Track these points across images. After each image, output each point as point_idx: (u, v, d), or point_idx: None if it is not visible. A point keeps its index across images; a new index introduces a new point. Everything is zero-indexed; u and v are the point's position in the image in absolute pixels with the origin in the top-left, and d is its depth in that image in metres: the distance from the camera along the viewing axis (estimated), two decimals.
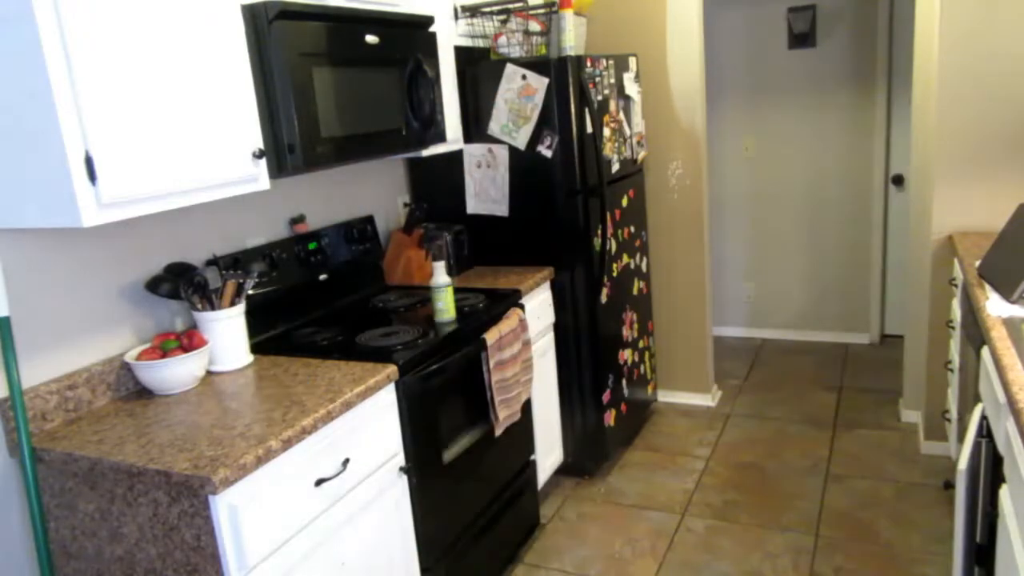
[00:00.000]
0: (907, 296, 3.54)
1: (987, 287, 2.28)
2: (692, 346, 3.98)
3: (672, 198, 3.84)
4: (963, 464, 2.05)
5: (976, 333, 2.20)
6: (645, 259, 3.78)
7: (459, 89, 3.08)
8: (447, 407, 2.40)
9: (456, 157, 3.21)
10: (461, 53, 3.10)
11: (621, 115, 3.39)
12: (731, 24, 4.65)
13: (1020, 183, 2.93)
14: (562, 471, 3.34)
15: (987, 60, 2.87)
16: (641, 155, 3.63)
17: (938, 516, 2.85)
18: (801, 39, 4.48)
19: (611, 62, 3.29)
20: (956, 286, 2.86)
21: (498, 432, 2.61)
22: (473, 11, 3.09)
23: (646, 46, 3.70)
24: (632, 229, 3.58)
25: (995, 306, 2.10)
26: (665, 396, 4.10)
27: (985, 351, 2.02)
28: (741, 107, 4.74)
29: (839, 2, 4.38)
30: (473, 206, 3.28)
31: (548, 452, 3.17)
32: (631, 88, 3.48)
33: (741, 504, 3.08)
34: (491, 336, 2.54)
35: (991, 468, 1.87)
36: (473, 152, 3.21)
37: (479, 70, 3.13)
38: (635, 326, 3.62)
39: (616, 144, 3.33)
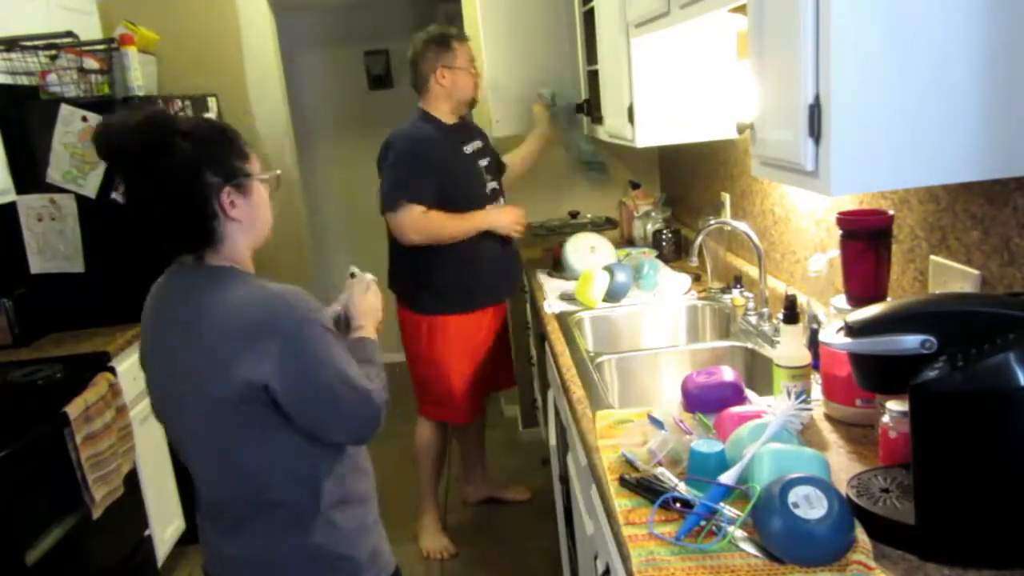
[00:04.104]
0: None
1: (545, 288, 2.71)
2: None
3: (272, 239, 3.79)
4: (552, 441, 2.41)
5: (541, 330, 2.60)
6: None
7: (2, 133, 2.68)
8: (25, 499, 2.06)
9: (8, 211, 2.78)
10: (0, 92, 2.71)
11: None
12: (312, 66, 4.79)
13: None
14: (188, 539, 3.08)
15: None
16: None
17: (545, 493, 3.28)
18: (378, 81, 4.80)
19: (188, 103, 3.16)
20: (526, 292, 3.33)
21: (97, 514, 2.32)
22: (10, 45, 2.72)
23: (225, 87, 3.63)
24: None
25: (550, 305, 2.51)
26: None
27: (547, 344, 2.40)
28: (331, 144, 4.89)
29: (408, 48, 4.80)
30: (39, 264, 2.87)
31: (166, 522, 2.90)
32: None
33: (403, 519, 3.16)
34: (75, 408, 2.25)
35: (561, 440, 2.23)
36: (30, 204, 2.81)
37: (26, 111, 2.77)
38: None
39: None
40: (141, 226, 1.30)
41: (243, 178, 1.31)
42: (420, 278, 2.68)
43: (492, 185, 2.77)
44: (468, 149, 2.72)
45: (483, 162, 2.76)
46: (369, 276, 1.65)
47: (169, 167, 1.24)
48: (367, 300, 1.59)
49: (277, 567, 1.37)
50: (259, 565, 1.38)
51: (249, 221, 1.33)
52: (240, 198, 1.30)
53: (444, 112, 2.68)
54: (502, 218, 2.70)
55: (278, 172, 1.45)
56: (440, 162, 2.59)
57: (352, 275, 1.65)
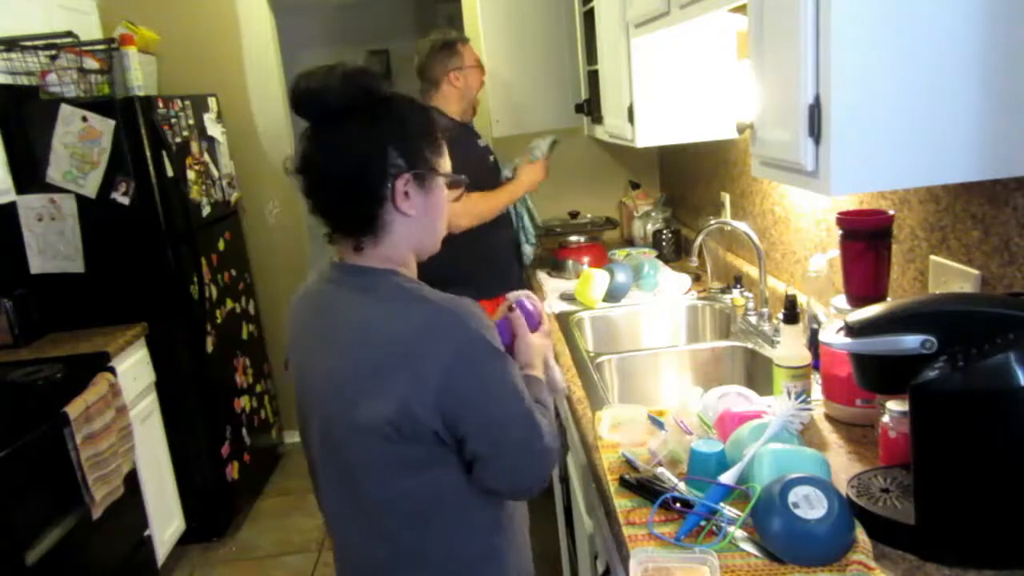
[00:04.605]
0: None
1: (545, 288, 2.71)
2: None
3: (273, 238, 3.82)
4: None
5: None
6: (252, 301, 3.69)
7: (2, 132, 2.68)
8: (26, 499, 2.06)
9: (9, 211, 2.78)
10: (0, 91, 2.71)
11: (206, 156, 3.27)
12: (313, 65, 4.77)
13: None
14: (187, 539, 3.08)
15: None
16: (234, 196, 3.54)
17: (545, 493, 3.27)
18: None
19: (188, 103, 3.16)
20: None
21: (97, 514, 2.32)
22: (10, 45, 2.72)
23: (225, 86, 3.63)
24: (233, 272, 3.47)
25: (550, 305, 2.51)
26: (292, 436, 4.03)
27: None
28: None
29: (408, 48, 4.81)
30: (39, 265, 2.87)
31: (166, 523, 2.91)
32: (214, 129, 3.38)
33: None
34: (75, 408, 2.25)
35: (561, 439, 2.23)
36: (30, 204, 2.81)
37: (26, 111, 2.77)
38: (249, 371, 3.51)
39: (204, 187, 3.20)
40: (309, 190, 1.15)
41: (428, 171, 1.15)
42: (434, 273, 2.67)
43: (500, 180, 2.79)
44: (481, 144, 2.74)
45: (492, 159, 2.77)
46: (529, 305, 1.32)
47: (355, 133, 1.10)
48: (535, 335, 1.31)
49: None
50: None
51: (420, 220, 1.16)
52: (417, 192, 1.14)
53: (455, 112, 2.68)
54: (533, 176, 2.71)
55: (465, 179, 1.23)
56: (465, 152, 2.59)
57: (511, 308, 1.31)
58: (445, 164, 1.20)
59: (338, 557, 1.28)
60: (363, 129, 1.11)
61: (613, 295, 2.42)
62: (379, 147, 1.11)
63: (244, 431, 3.36)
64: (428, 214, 1.17)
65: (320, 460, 1.19)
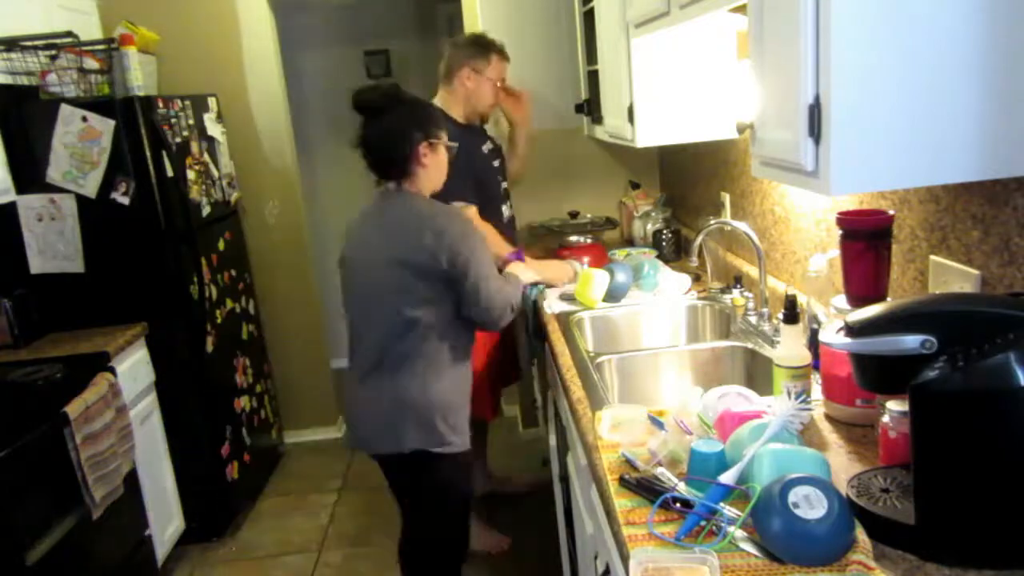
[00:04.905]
0: None
1: (546, 288, 2.70)
2: (314, 382, 3.99)
3: (273, 237, 3.82)
4: (552, 441, 2.41)
5: (541, 329, 2.59)
6: (252, 301, 3.69)
7: (2, 132, 2.68)
8: (26, 499, 2.06)
9: (9, 211, 2.78)
10: (0, 92, 2.71)
11: (206, 156, 3.27)
12: (312, 66, 4.79)
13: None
14: (187, 539, 3.08)
15: None
16: (234, 196, 3.54)
17: (545, 493, 3.28)
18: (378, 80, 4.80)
19: (188, 103, 3.16)
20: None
21: (97, 514, 2.32)
22: (10, 45, 2.72)
23: (226, 86, 3.62)
24: (233, 272, 3.47)
25: (550, 305, 2.51)
26: (293, 436, 4.04)
27: (548, 344, 2.40)
28: (331, 144, 4.90)
29: (408, 48, 4.81)
30: (39, 265, 2.87)
31: (166, 523, 2.91)
32: (214, 129, 3.38)
33: (376, 527, 3.17)
34: (75, 408, 2.25)
35: (561, 440, 2.23)
36: (30, 204, 2.81)
37: (26, 111, 2.77)
38: (249, 371, 3.51)
39: (204, 187, 3.20)
40: (368, 156, 1.98)
41: (435, 140, 1.99)
42: None
43: (504, 185, 2.78)
44: (484, 149, 2.73)
45: (496, 163, 2.76)
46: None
47: (392, 120, 1.94)
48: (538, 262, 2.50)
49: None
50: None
51: (432, 170, 2.01)
52: (430, 153, 1.98)
53: (457, 113, 2.67)
54: (561, 275, 2.64)
55: (455, 144, 2.07)
56: (467, 161, 2.59)
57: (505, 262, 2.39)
58: (445, 135, 2.04)
59: (350, 365, 2.09)
60: (394, 119, 1.96)
61: (613, 295, 2.42)
62: (405, 127, 1.95)
63: (244, 431, 3.36)
64: (436, 166, 2.03)
65: (357, 304, 2.06)
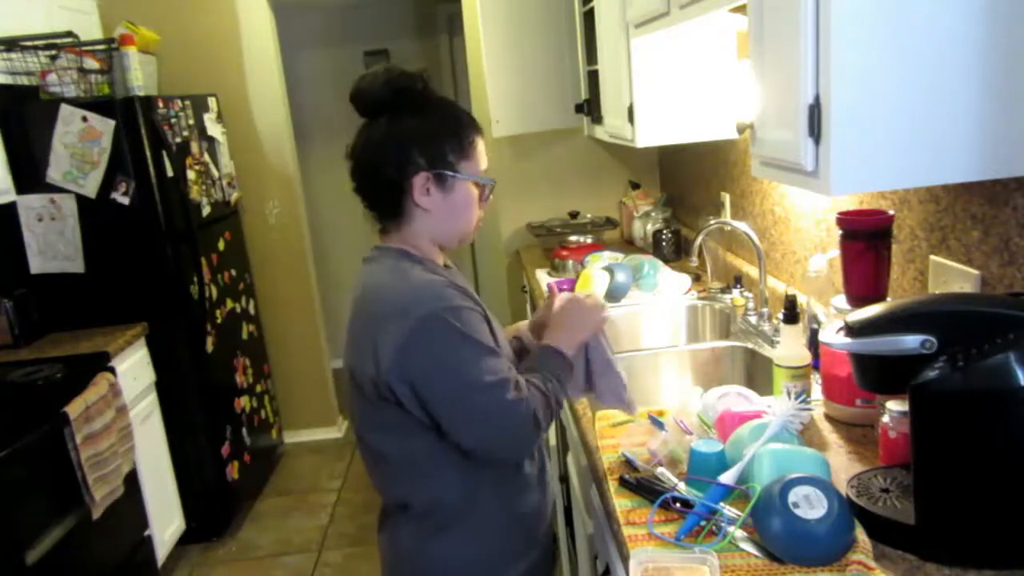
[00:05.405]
0: (494, 307, 4.02)
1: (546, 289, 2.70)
2: (313, 382, 3.99)
3: (273, 237, 3.82)
4: (552, 441, 2.41)
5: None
6: (252, 301, 3.69)
7: (2, 132, 2.68)
8: (26, 499, 2.06)
9: (9, 211, 2.78)
10: (0, 92, 2.71)
11: (206, 156, 3.27)
12: (312, 66, 4.79)
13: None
14: (187, 539, 3.08)
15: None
16: (234, 196, 3.55)
17: None
18: None
19: (188, 103, 3.16)
20: (526, 292, 3.33)
21: (97, 514, 2.32)
22: (10, 45, 2.72)
23: (226, 86, 3.63)
24: (233, 272, 3.47)
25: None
26: (292, 436, 4.04)
27: None
28: (331, 144, 4.89)
29: (408, 48, 4.81)
30: (39, 265, 2.87)
31: (166, 523, 2.91)
32: (214, 129, 3.38)
33: (376, 527, 3.16)
34: (75, 408, 2.25)
35: (561, 440, 2.23)
36: (30, 204, 2.81)
37: (27, 111, 2.77)
38: (249, 371, 3.51)
39: (204, 187, 3.20)
40: (350, 173, 1.30)
41: (447, 172, 1.25)
42: None
43: None
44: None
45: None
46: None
47: (385, 131, 1.25)
48: (564, 308, 1.40)
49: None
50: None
51: (440, 215, 1.27)
52: (437, 189, 1.25)
53: None
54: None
55: (492, 181, 1.33)
56: None
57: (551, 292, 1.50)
58: (473, 166, 1.29)
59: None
60: (389, 126, 1.25)
61: (613, 295, 2.42)
62: (399, 144, 1.24)
63: (244, 431, 3.36)
64: (448, 211, 1.27)
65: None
